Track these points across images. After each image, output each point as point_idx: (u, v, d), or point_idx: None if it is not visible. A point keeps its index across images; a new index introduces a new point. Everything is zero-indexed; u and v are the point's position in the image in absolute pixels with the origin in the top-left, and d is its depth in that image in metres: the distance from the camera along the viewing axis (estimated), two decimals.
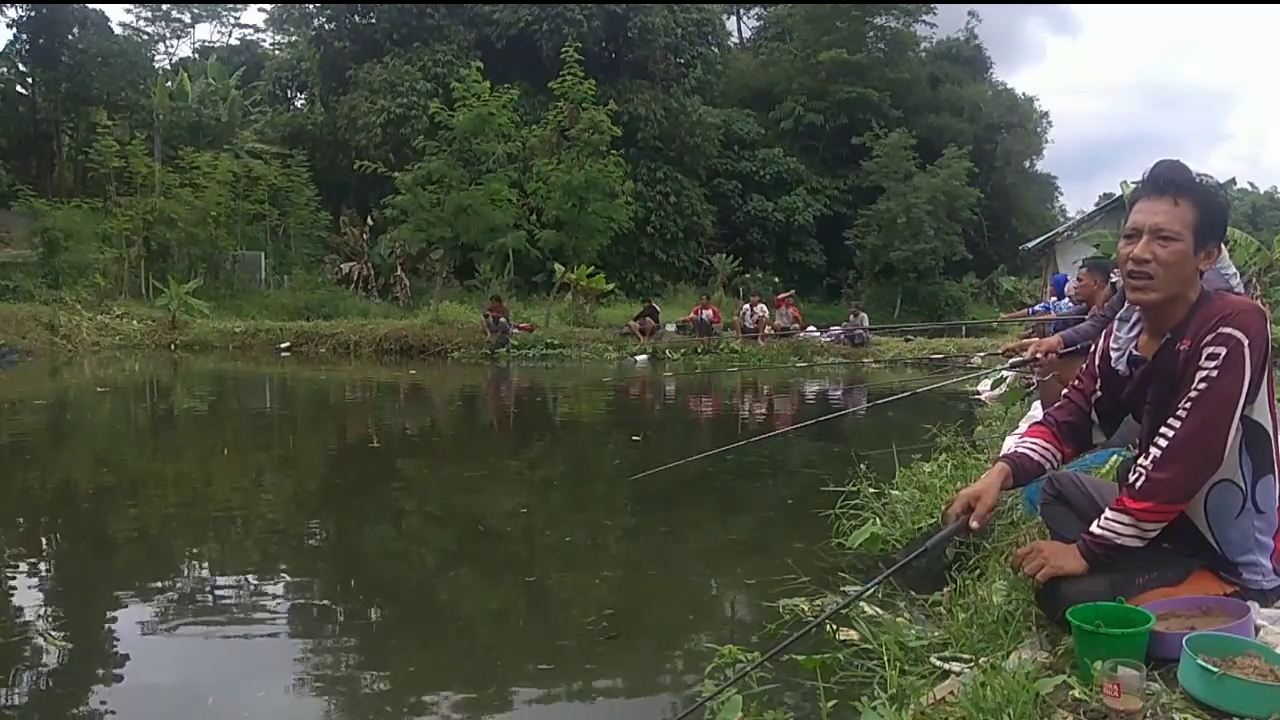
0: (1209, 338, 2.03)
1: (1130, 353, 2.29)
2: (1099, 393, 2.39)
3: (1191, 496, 2.11)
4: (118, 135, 23.75)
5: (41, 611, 3.78)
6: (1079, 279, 6.32)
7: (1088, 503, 2.38)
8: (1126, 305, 2.33)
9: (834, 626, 3.14)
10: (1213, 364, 2.02)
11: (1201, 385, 2.03)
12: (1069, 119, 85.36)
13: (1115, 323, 2.39)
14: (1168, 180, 2.14)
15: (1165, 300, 2.14)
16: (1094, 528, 2.15)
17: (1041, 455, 2.40)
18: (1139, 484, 2.09)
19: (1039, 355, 3.74)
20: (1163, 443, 2.08)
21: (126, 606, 3.95)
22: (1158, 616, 2.07)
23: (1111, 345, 2.38)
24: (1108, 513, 2.14)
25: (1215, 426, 2.03)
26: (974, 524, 2.28)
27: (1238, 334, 2.01)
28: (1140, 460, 2.13)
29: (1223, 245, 2.31)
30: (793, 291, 23.86)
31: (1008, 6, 63.83)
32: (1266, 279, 14.58)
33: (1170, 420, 2.09)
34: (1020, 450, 2.43)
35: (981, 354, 10.57)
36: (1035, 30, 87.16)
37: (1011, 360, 5.41)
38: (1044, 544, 2.32)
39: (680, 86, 31.48)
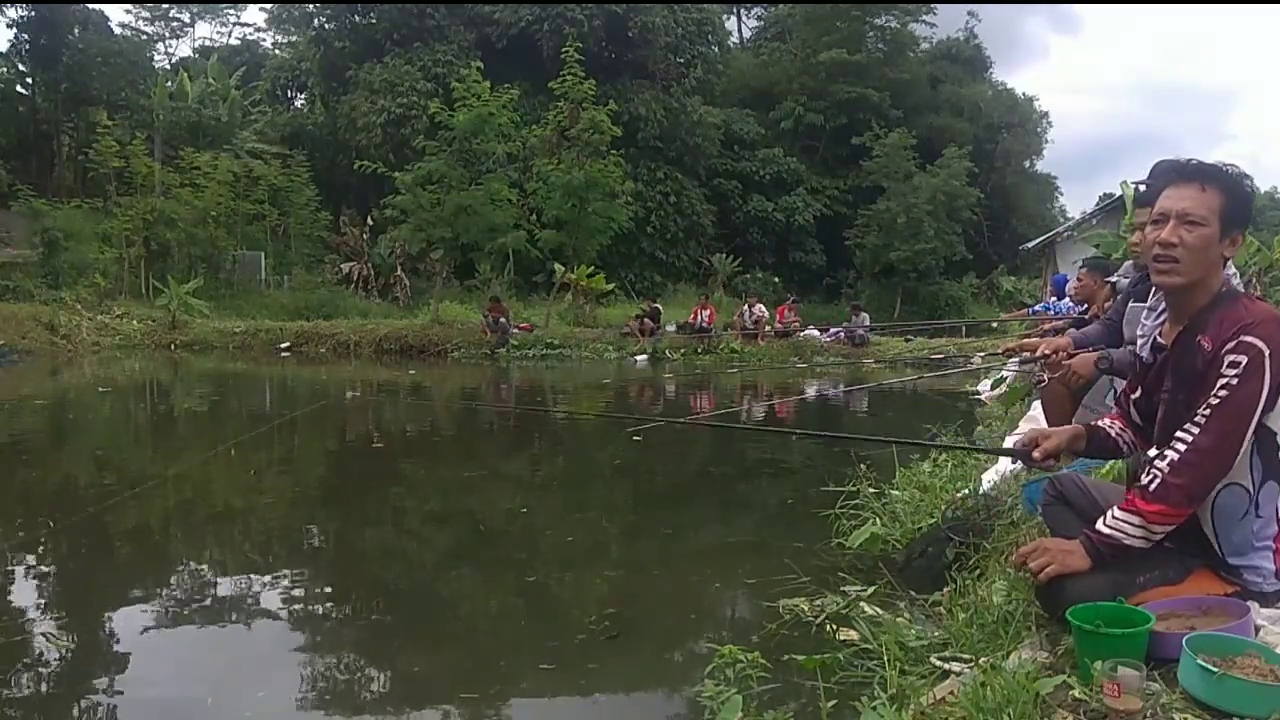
0: (1231, 344, 2.04)
1: (1154, 339, 2.32)
2: (1136, 393, 2.42)
3: (1203, 501, 2.12)
4: (118, 135, 23.71)
5: (42, 611, 3.79)
6: (1079, 279, 6.34)
7: (1089, 504, 2.38)
8: (1155, 294, 2.36)
9: (834, 626, 3.15)
10: (1233, 372, 2.03)
11: (1222, 393, 2.04)
12: (1069, 119, 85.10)
13: (1145, 312, 2.43)
14: (1195, 168, 2.17)
15: (1189, 284, 2.16)
16: (1101, 526, 2.15)
17: (1118, 434, 2.42)
18: (1153, 486, 2.08)
19: (1049, 353, 3.72)
20: (1181, 447, 2.08)
21: (126, 607, 3.95)
22: (1158, 616, 2.07)
23: (1138, 333, 2.43)
24: (1116, 512, 2.13)
25: (1233, 436, 2.05)
26: (1036, 454, 2.32)
27: (1259, 344, 2.02)
28: (1155, 462, 2.11)
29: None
30: (793, 299, 23.86)
31: (1008, 5, 63.70)
32: (1266, 279, 14.55)
33: (1189, 426, 2.09)
34: (1099, 424, 2.46)
35: (981, 354, 10.58)
36: (1036, 29, 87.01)
37: (1015, 359, 5.41)
38: (1049, 541, 2.31)
39: (680, 86, 31.48)
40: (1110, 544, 2.14)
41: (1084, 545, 2.17)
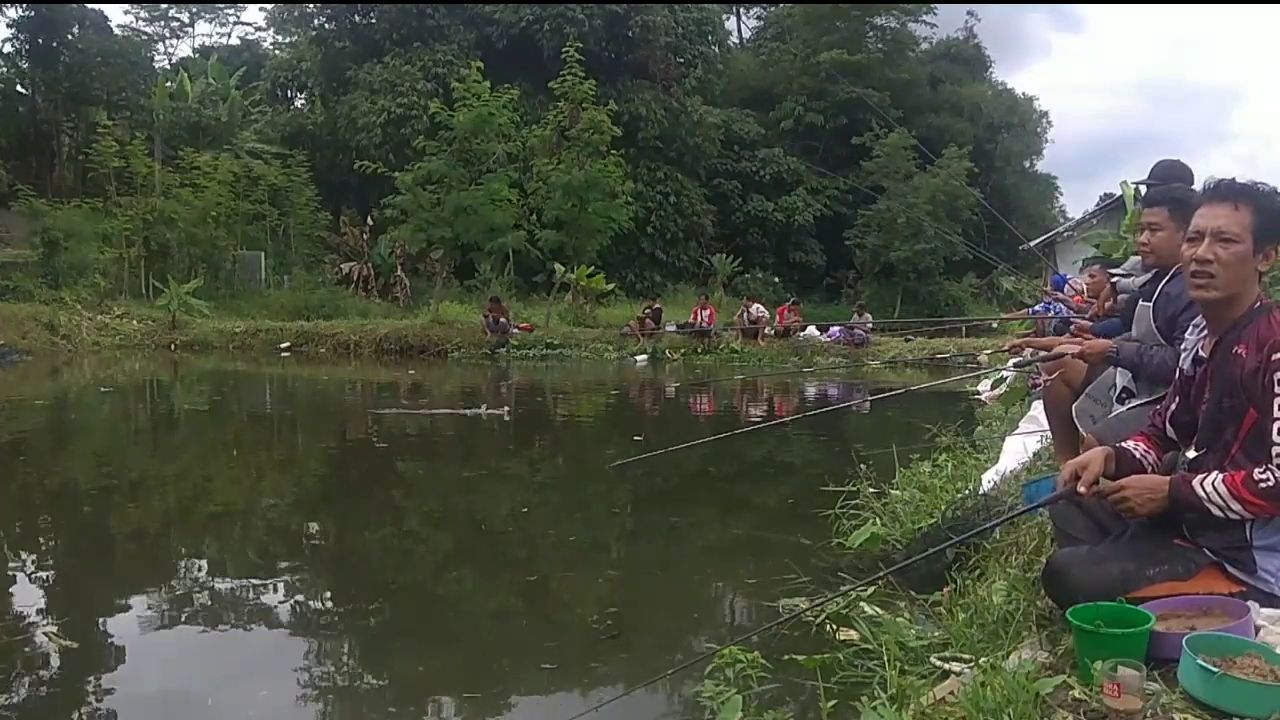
0: (1275, 358, 2.11)
1: (1196, 352, 2.40)
2: (1174, 406, 2.47)
3: None
4: (118, 135, 23.68)
5: (42, 611, 3.79)
6: (1091, 275, 6.53)
7: (1096, 503, 2.39)
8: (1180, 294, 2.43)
9: (834, 626, 3.15)
10: None
11: None
12: (1070, 118, 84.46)
13: (1190, 328, 2.51)
14: (1228, 187, 2.26)
15: (1225, 298, 2.25)
16: (1197, 486, 2.17)
17: (1142, 455, 2.46)
18: (1268, 488, 2.10)
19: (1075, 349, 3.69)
20: None
21: (126, 606, 3.96)
22: (1158, 616, 2.08)
23: (1182, 348, 2.51)
24: (1219, 484, 2.15)
25: None
26: (1081, 489, 2.32)
27: None
28: (1275, 468, 2.11)
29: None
30: (793, 300, 23.85)
31: (1009, 5, 63.46)
32: (1266, 279, 14.55)
33: None
34: (1124, 445, 2.50)
35: (987, 352, 10.61)
36: (1038, 27, 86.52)
37: (1016, 359, 5.42)
38: (1133, 481, 2.29)
39: (681, 86, 31.45)
40: (1195, 504, 2.18)
41: (1171, 489, 2.20)
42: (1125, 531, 2.38)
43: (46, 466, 7.14)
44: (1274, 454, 2.10)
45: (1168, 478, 2.26)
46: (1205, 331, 2.39)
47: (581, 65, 20.66)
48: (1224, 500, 2.14)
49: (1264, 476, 2.11)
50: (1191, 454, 2.34)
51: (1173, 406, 2.47)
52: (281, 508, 6.01)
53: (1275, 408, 2.11)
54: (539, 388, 14.73)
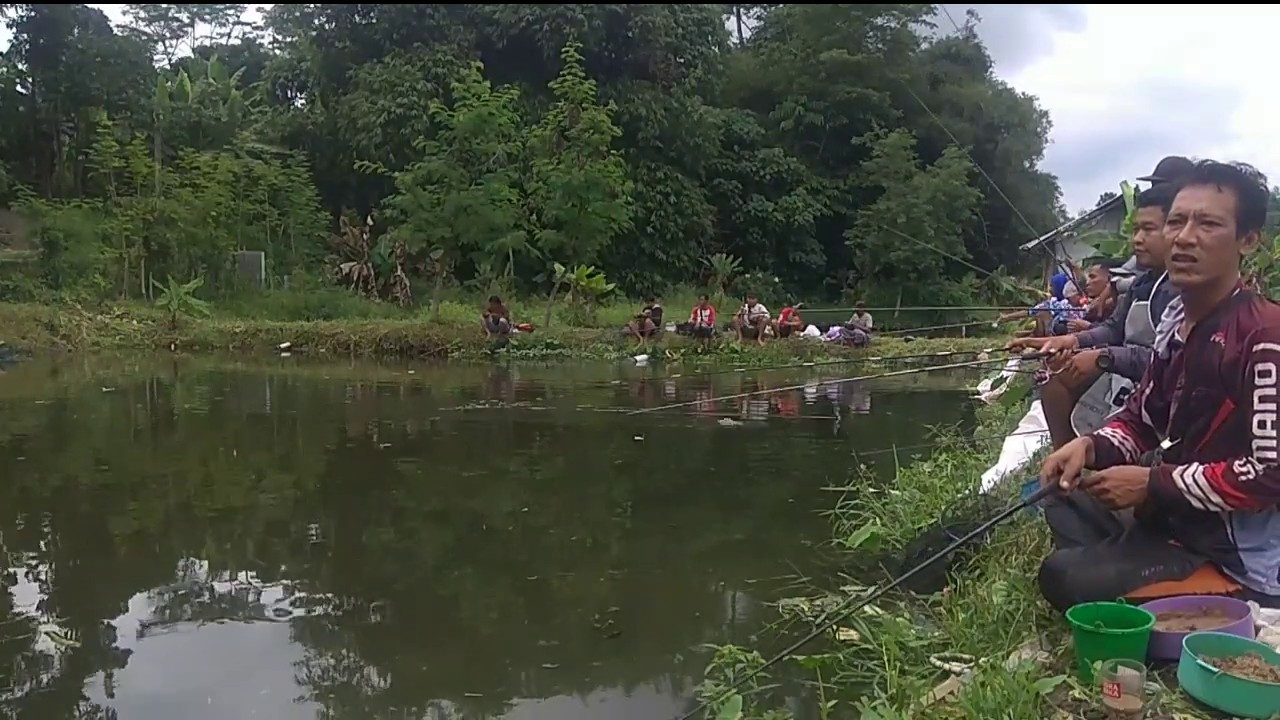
0: (1256, 349, 2.07)
1: (1172, 336, 2.37)
2: (1149, 390, 2.44)
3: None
4: (118, 135, 23.68)
5: (42, 610, 3.79)
6: (1091, 274, 6.51)
7: (1093, 503, 2.40)
8: (1176, 293, 2.39)
9: (834, 626, 3.15)
10: (1269, 381, 2.07)
11: (1273, 404, 2.07)
12: (1070, 117, 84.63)
13: (1166, 309, 2.47)
14: (1210, 169, 2.22)
15: (1207, 283, 2.21)
16: (1177, 477, 2.16)
17: (1120, 442, 2.44)
18: (1248, 481, 2.09)
19: (1053, 351, 3.70)
20: (1272, 455, 2.07)
21: (127, 606, 3.96)
22: (1158, 616, 2.08)
23: (1158, 330, 2.48)
24: (1199, 478, 2.13)
25: None
26: (1064, 484, 2.31)
27: (1276, 347, 2.07)
28: (1254, 461, 2.09)
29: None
30: (799, 305, 23.85)
31: (1010, 5, 63.42)
32: (1266, 279, 14.51)
33: (1265, 436, 2.08)
34: (1101, 433, 2.48)
35: (988, 350, 10.62)
36: (1039, 26, 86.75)
37: (1022, 354, 5.42)
38: (1114, 472, 2.28)
39: (680, 86, 31.47)
40: (1174, 495, 2.16)
41: (1151, 481, 2.19)
42: (1121, 533, 2.38)
43: (47, 466, 7.14)
44: (1255, 447, 2.08)
45: (1148, 469, 2.24)
46: (1182, 315, 2.35)
47: (581, 65, 20.67)
48: (1204, 492, 2.13)
49: (1244, 469, 2.09)
50: (1166, 444, 2.33)
51: (1147, 391, 2.44)
52: (282, 508, 6.01)
53: (1256, 400, 2.07)
54: (539, 388, 14.71)
